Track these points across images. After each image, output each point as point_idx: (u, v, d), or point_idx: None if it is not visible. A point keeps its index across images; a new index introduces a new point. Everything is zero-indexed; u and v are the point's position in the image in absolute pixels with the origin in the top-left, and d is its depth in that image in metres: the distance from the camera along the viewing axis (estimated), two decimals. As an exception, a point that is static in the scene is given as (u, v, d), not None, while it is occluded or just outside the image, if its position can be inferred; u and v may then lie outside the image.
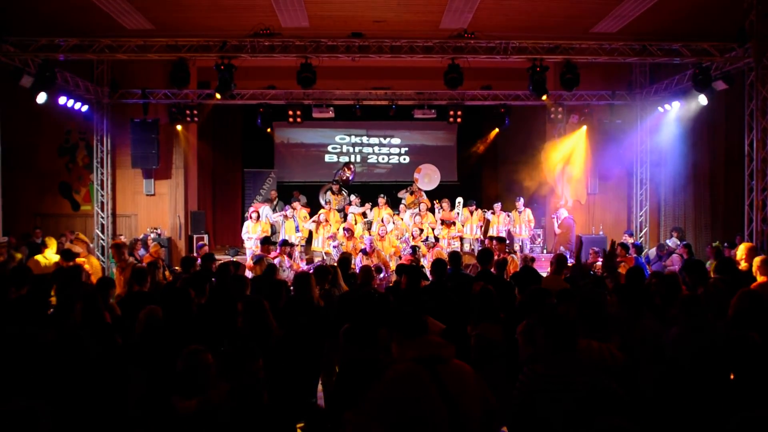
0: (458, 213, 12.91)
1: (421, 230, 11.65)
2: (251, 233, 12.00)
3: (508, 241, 11.35)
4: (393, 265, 9.78)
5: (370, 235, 11.13)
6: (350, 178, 14.16)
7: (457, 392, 2.39)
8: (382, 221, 11.93)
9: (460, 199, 13.34)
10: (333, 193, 13.58)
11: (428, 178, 15.52)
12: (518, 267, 8.85)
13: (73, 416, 3.33)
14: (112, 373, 3.71)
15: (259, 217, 12.25)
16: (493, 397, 2.60)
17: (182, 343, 3.58)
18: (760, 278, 5.51)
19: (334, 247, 11.24)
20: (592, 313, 3.35)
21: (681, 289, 4.99)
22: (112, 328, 4.31)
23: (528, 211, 12.86)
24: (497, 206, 12.83)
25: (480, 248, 9.93)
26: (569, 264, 8.28)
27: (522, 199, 12.92)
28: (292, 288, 5.32)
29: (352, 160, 16.70)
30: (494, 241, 9.47)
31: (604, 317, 3.42)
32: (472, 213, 12.79)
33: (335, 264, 7.06)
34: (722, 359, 3.45)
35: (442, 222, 12.35)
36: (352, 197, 13.24)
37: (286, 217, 12.26)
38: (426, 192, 14.22)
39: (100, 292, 5.16)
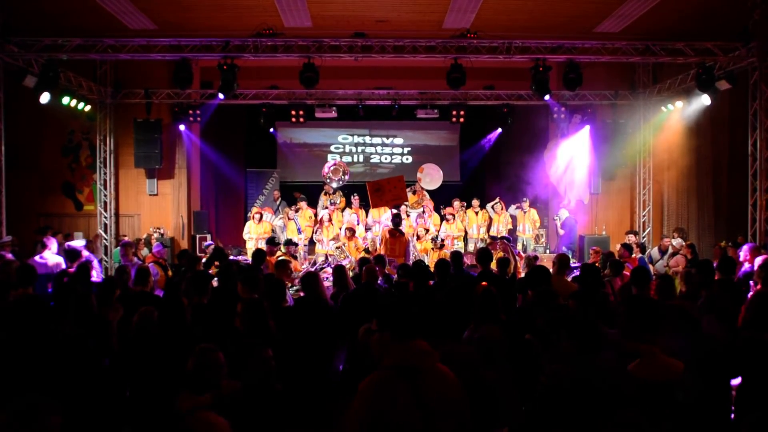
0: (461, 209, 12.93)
1: (426, 230, 11.65)
2: (252, 233, 12.03)
3: (510, 239, 11.35)
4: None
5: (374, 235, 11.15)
6: (343, 179, 14.01)
7: (434, 405, 2.30)
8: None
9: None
10: (325, 193, 13.58)
11: (430, 177, 15.48)
12: (520, 267, 8.84)
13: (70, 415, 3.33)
14: (105, 372, 3.72)
15: (261, 218, 12.29)
16: (468, 413, 2.46)
17: (180, 343, 3.58)
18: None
19: (337, 248, 11.26)
20: (647, 316, 3.16)
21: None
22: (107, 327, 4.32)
23: (533, 210, 12.87)
24: (498, 206, 12.84)
25: (480, 248, 9.93)
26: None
27: (527, 199, 12.92)
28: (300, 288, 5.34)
29: (354, 159, 16.71)
30: (497, 241, 9.45)
31: (656, 321, 3.24)
32: (477, 213, 12.79)
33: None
34: (720, 366, 3.40)
35: (443, 217, 12.39)
36: (352, 197, 13.24)
37: (288, 218, 12.30)
38: (428, 191, 14.20)
39: (104, 291, 5.19)
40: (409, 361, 2.37)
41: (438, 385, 2.36)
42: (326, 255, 11.61)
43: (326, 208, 12.78)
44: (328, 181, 13.50)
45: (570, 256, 9.37)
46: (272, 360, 3.29)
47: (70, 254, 7.54)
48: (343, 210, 13.08)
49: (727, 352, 3.48)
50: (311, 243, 12.52)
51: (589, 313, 3.71)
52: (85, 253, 8.30)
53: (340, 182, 13.56)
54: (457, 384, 2.45)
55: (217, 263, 7.55)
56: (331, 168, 13.76)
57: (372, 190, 10.31)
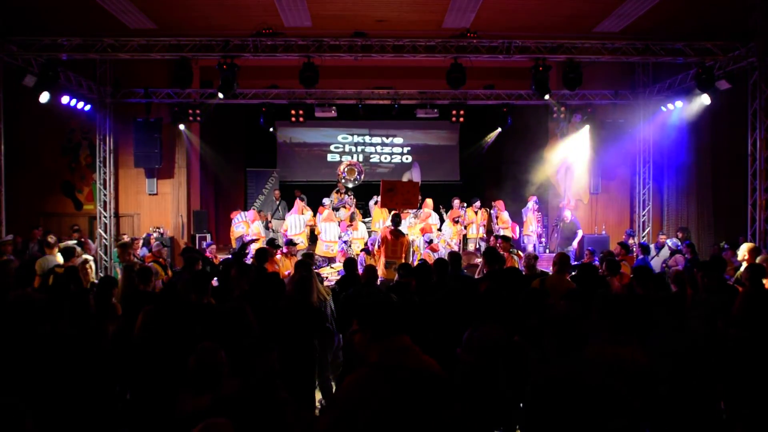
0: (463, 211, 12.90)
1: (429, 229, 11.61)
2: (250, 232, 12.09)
3: (513, 238, 11.33)
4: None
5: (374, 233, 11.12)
6: (358, 179, 14.05)
7: (415, 403, 2.19)
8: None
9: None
10: (337, 191, 13.59)
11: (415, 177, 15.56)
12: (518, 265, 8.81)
13: (64, 414, 3.32)
14: (104, 372, 3.71)
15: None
16: (458, 409, 2.32)
17: (183, 342, 3.57)
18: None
19: (344, 242, 11.28)
20: (616, 316, 3.14)
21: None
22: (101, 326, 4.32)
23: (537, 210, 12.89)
24: (498, 205, 12.84)
25: (485, 247, 9.82)
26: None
27: (535, 197, 12.92)
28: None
29: (355, 159, 16.70)
30: (500, 239, 9.41)
31: (626, 320, 3.22)
32: (476, 212, 12.78)
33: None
34: (703, 360, 3.40)
35: (451, 220, 12.36)
36: (346, 197, 13.24)
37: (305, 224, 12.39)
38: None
39: (102, 291, 5.18)
40: (390, 359, 2.35)
41: (421, 384, 2.27)
42: (329, 253, 11.60)
43: (325, 206, 12.79)
44: (343, 181, 13.55)
45: (570, 256, 9.35)
46: (276, 363, 3.29)
47: (65, 252, 7.51)
48: (337, 210, 13.08)
49: (718, 349, 3.49)
50: (309, 243, 12.52)
51: (581, 312, 3.72)
52: (87, 256, 8.32)
53: (356, 182, 13.63)
54: (442, 383, 2.37)
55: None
56: (346, 168, 13.83)
57: (385, 189, 9.97)
